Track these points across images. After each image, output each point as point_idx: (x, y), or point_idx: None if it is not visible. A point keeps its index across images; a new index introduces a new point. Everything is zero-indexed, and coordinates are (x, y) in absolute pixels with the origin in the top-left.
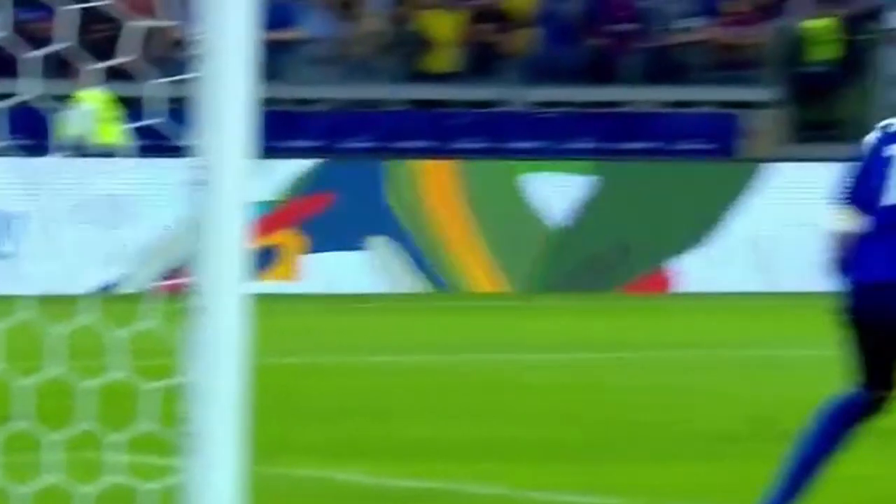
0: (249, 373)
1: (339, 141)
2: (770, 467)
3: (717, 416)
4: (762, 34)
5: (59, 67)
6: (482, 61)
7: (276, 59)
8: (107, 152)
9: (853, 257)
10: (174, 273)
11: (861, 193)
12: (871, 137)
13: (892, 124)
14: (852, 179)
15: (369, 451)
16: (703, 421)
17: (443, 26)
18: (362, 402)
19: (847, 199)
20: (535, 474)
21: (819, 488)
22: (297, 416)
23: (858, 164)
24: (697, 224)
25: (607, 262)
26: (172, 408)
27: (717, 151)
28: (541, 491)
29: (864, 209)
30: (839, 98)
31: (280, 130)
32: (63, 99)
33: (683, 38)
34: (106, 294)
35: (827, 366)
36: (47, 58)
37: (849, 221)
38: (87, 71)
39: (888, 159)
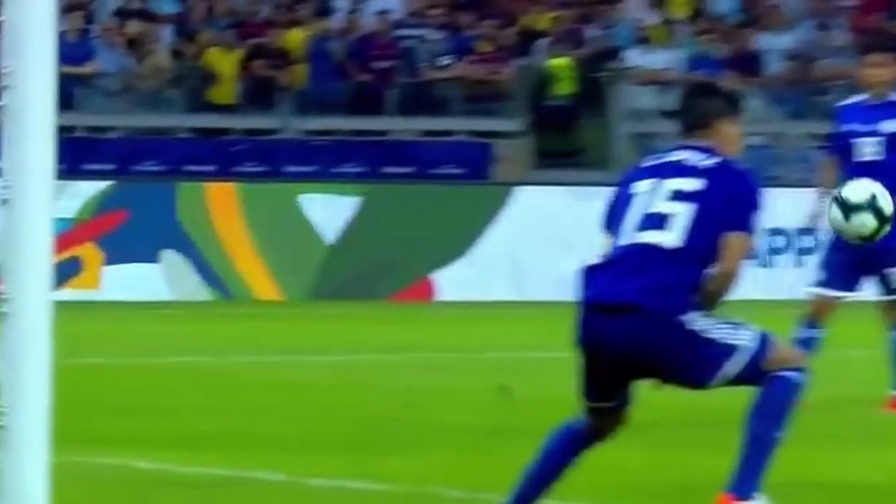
0: (54, 372)
1: (132, 164)
2: (518, 458)
3: (473, 411)
4: (509, 71)
5: None
6: (260, 94)
7: (73, 91)
8: None
9: (584, 281)
10: None
11: (611, 223)
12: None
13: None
14: (608, 208)
15: (163, 441)
16: (460, 415)
17: (224, 62)
18: (156, 398)
19: (604, 226)
20: (311, 463)
21: (569, 477)
22: (97, 411)
23: (615, 191)
24: (456, 240)
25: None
26: None
27: (470, 175)
28: (316, 478)
29: (614, 238)
30: (578, 129)
31: (78, 155)
32: None
33: (439, 74)
34: None
35: (570, 367)
36: None
37: (603, 247)
38: None
39: (631, 196)
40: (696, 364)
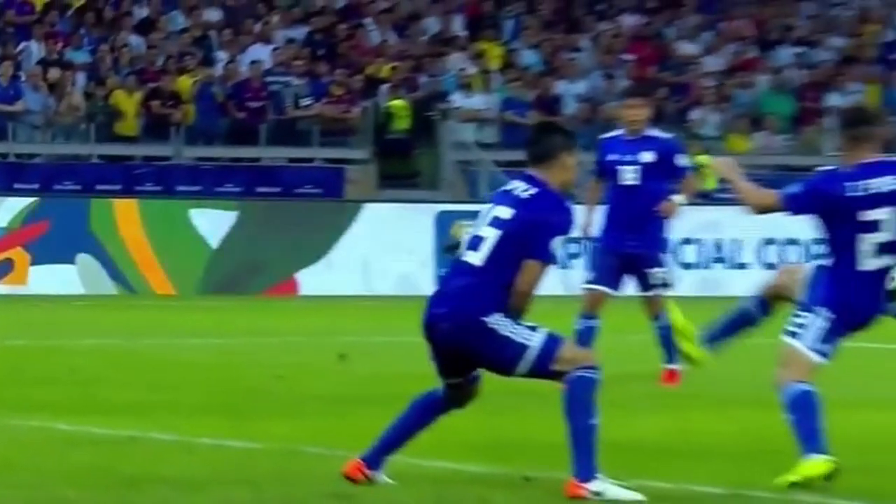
0: None
1: (54, 184)
2: (366, 421)
3: (331, 384)
4: (357, 110)
5: None
6: (156, 128)
7: (5, 125)
8: None
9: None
10: None
11: None
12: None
13: (515, 187)
14: None
15: (79, 408)
16: (320, 387)
17: (127, 102)
18: (73, 373)
19: None
20: (199, 425)
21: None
22: (25, 383)
23: None
24: (315, 246)
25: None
26: None
27: (327, 194)
28: (203, 437)
29: None
30: (414, 156)
31: (10, 176)
32: None
33: (301, 112)
34: None
35: (412, 350)
36: None
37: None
38: None
39: (481, 216)
40: (497, 359)
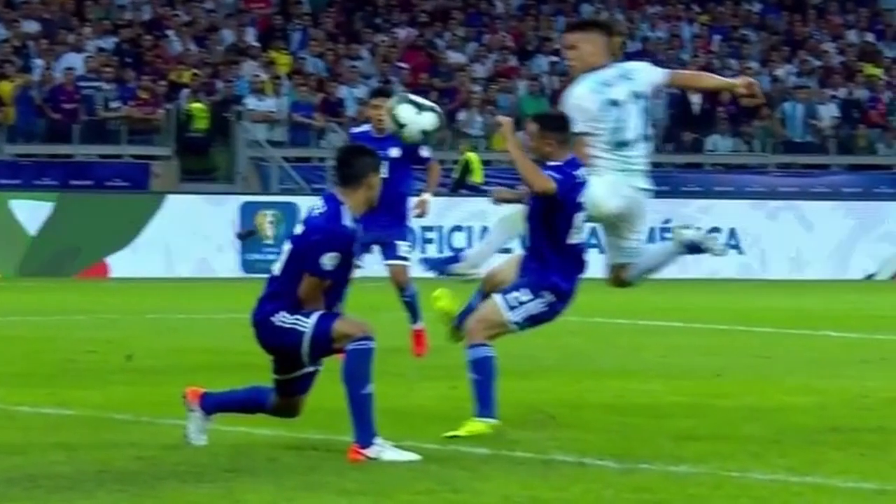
0: None
1: None
2: (172, 389)
3: (137, 357)
4: (161, 112)
5: None
6: None
7: None
8: None
9: None
10: None
11: None
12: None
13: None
14: None
15: None
16: (116, 360)
17: None
18: None
19: None
20: (19, 394)
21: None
22: None
23: None
24: (124, 233)
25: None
26: None
27: (134, 187)
28: (22, 405)
29: None
30: (212, 153)
31: None
32: None
33: (111, 114)
34: None
35: (209, 326)
36: None
37: None
38: None
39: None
40: (286, 349)
